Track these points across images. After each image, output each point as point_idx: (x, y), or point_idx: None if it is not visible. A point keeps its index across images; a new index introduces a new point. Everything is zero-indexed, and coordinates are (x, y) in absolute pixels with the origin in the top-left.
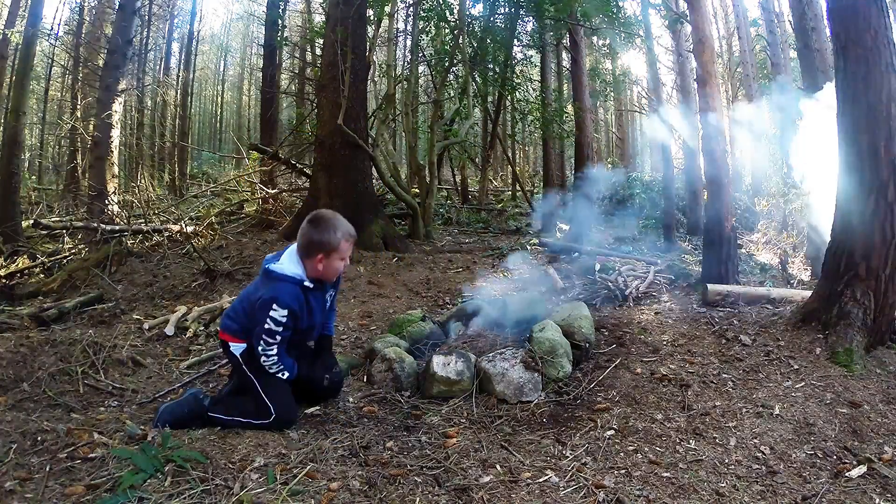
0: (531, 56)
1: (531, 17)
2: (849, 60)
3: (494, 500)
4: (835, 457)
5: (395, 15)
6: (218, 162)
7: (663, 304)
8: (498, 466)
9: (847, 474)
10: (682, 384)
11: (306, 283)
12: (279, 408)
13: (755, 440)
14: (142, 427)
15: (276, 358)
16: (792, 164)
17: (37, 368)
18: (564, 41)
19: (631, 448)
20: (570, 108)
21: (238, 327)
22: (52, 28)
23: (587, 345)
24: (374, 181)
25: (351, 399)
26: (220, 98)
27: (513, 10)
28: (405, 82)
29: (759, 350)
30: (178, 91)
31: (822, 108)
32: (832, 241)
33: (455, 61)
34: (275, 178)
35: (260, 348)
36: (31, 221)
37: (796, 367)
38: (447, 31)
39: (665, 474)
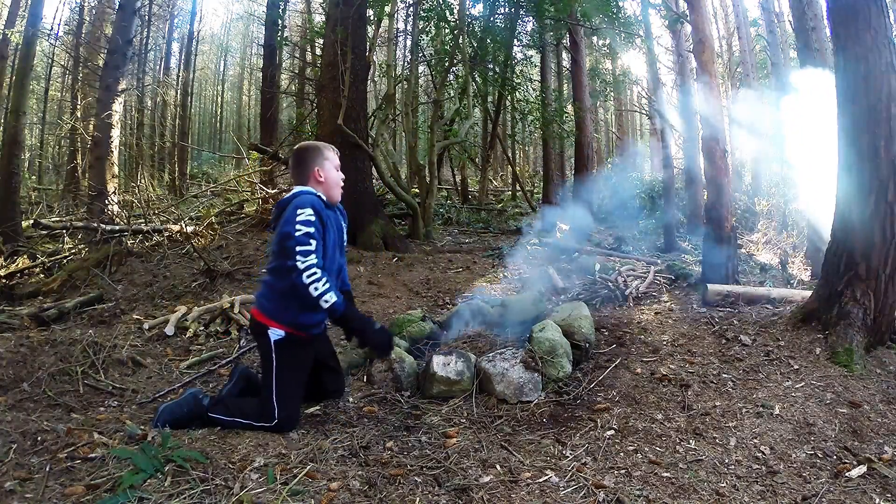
0: (531, 56)
1: (531, 17)
2: (849, 60)
3: (494, 500)
4: (835, 457)
5: (395, 15)
6: (218, 162)
7: (663, 304)
8: (498, 466)
9: (847, 474)
10: (682, 384)
11: (319, 194)
12: (284, 412)
13: (755, 440)
14: (142, 427)
15: (319, 273)
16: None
17: (37, 368)
18: (564, 41)
19: (631, 448)
20: (570, 108)
21: (274, 306)
22: (52, 28)
23: (587, 345)
24: (374, 181)
25: (351, 399)
26: (220, 98)
27: (513, 10)
28: (405, 82)
29: (759, 350)
30: (178, 91)
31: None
32: (832, 241)
33: (455, 61)
34: (275, 178)
35: (299, 263)
36: (31, 221)
37: (796, 367)
38: (447, 31)
39: (665, 474)
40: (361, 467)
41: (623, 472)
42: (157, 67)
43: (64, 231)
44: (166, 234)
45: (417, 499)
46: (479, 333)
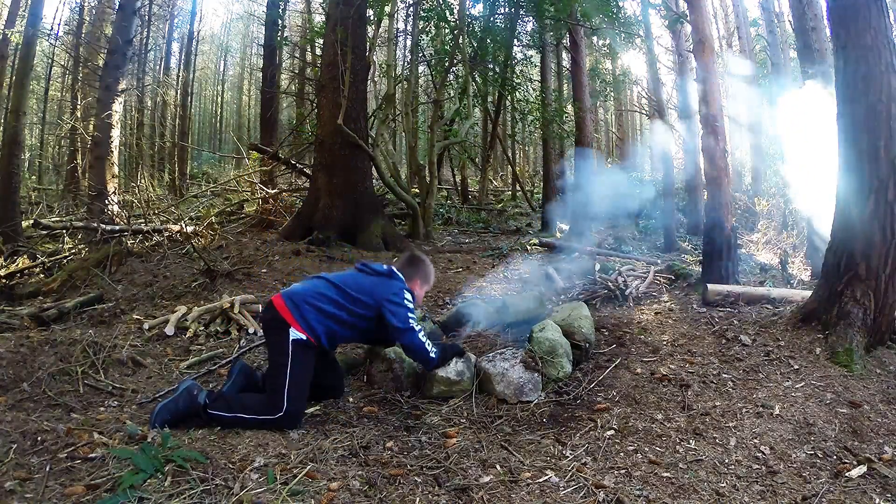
0: (531, 56)
1: (531, 17)
2: (849, 60)
3: (494, 500)
4: (835, 457)
5: (395, 15)
6: (218, 162)
7: (663, 304)
8: (498, 466)
9: (847, 474)
10: (682, 384)
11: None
12: (292, 406)
13: (755, 440)
14: (142, 427)
15: (426, 337)
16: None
17: (37, 368)
18: (564, 41)
19: (631, 448)
20: (570, 108)
21: (314, 317)
22: (52, 28)
23: (587, 345)
24: (374, 181)
25: (351, 399)
26: (220, 98)
27: (513, 10)
28: (405, 82)
29: (759, 350)
30: (178, 91)
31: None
32: (832, 241)
33: (455, 61)
34: (275, 178)
35: (414, 324)
36: (31, 221)
37: (796, 367)
38: (447, 31)
39: (665, 474)
40: (361, 467)
41: (623, 472)
42: (157, 67)
43: (64, 231)
44: (166, 234)
45: (417, 499)
46: (479, 333)
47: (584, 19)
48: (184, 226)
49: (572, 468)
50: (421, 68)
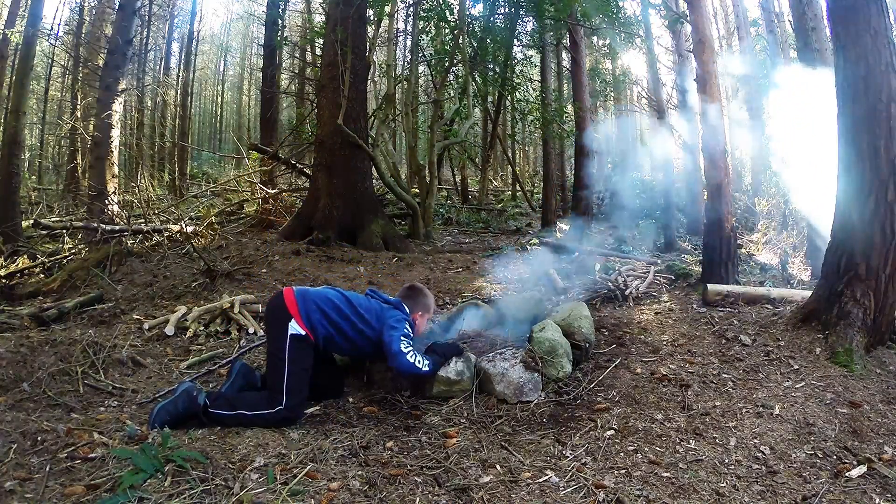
0: (531, 56)
1: (531, 17)
2: (849, 61)
3: (494, 500)
4: (835, 457)
5: (395, 15)
6: (218, 162)
7: (663, 304)
8: (498, 466)
9: (847, 474)
10: (682, 384)
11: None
12: (292, 401)
13: (755, 440)
14: (141, 427)
15: (415, 354)
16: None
17: (37, 368)
18: (564, 41)
19: (631, 448)
20: (570, 108)
21: (318, 318)
22: (52, 28)
23: (587, 345)
24: (374, 181)
25: (351, 399)
26: (220, 98)
27: (513, 10)
28: (405, 82)
29: (759, 350)
30: (178, 91)
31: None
32: (832, 241)
33: (455, 61)
34: (275, 178)
35: (403, 346)
36: (31, 221)
37: (796, 367)
38: (447, 31)
39: (665, 474)
40: (361, 467)
41: (623, 472)
42: (157, 67)
43: (64, 231)
44: (166, 234)
45: (417, 499)
46: (479, 333)
47: (584, 19)
48: (184, 226)
49: (572, 468)
50: (421, 68)
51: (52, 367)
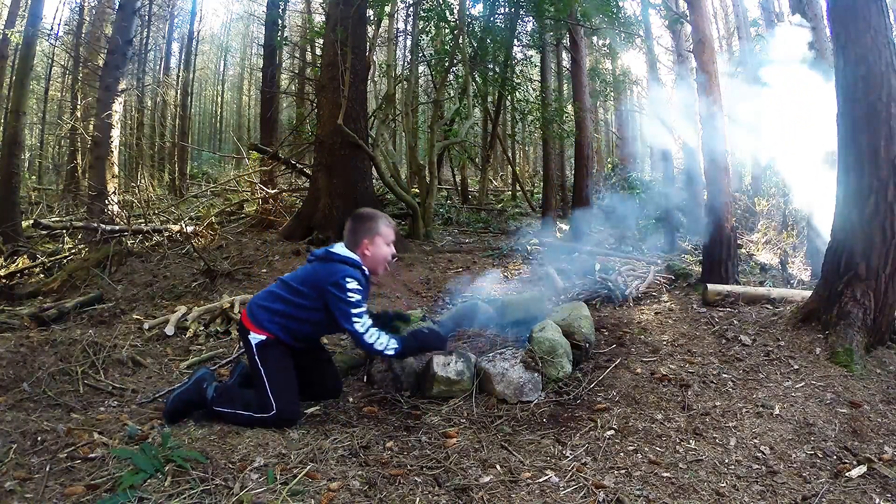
0: (531, 56)
1: (531, 17)
2: (849, 60)
3: (494, 500)
4: (835, 457)
5: (395, 15)
6: (218, 162)
7: (663, 304)
8: (498, 466)
9: (847, 474)
10: (682, 384)
11: (364, 268)
12: (281, 403)
13: (755, 440)
14: (141, 427)
15: (377, 333)
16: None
17: (37, 368)
18: (564, 41)
19: (631, 448)
20: (570, 108)
21: (265, 318)
22: (52, 28)
23: (587, 345)
24: (374, 181)
25: (351, 399)
26: (220, 98)
27: (513, 10)
28: (405, 82)
29: (759, 350)
30: (178, 91)
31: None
32: (832, 241)
33: (455, 61)
34: (275, 178)
35: (357, 326)
36: (31, 221)
37: (796, 367)
38: (447, 31)
39: (665, 474)
40: (361, 467)
41: (623, 472)
42: (157, 67)
43: (64, 231)
44: (166, 234)
45: (417, 499)
46: (479, 333)
47: (584, 19)
48: (184, 226)
49: (572, 468)
50: (421, 68)
51: (52, 367)
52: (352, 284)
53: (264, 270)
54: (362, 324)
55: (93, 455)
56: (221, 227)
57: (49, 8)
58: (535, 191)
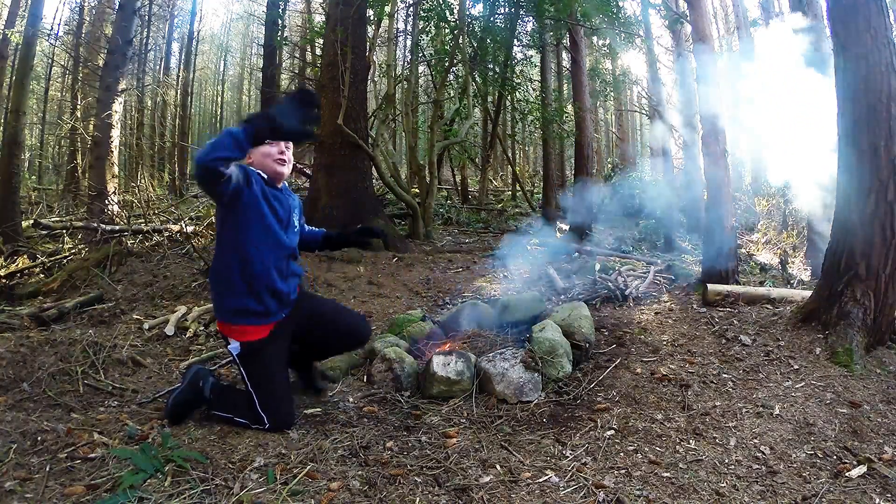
0: (531, 56)
1: (531, 17)
2: (849, 60)
3: (494, 500)
4: (835, 457)
5: (395, 15)
6: None
7: (663, 304)
8: (498, 466)
9: (847, 474)
10: (682, 384)
11: (259, 174)
12: (272, 416)
13: (755, 440)
14: (141, 427)
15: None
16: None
17: (37, 368)
18: (564, 41)
19: (631, 448)
20: (570, 108)
21: (224, 300)
22: (52, 28)
23: (587, 345)
24: (374, 181)
25: (351, 399)
26: (220, 98)
27: (513, 10)
28: (405, 82)
29: (759, 350)
30: (178, 91)
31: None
32: (832, 241)
33: (455, 61)
34: None
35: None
36: (31, 221)
37: (796, 367)
38: (447, 31)
39: (665, 474)
40: (361, 467)
41: (623, 472)
42: (157, 67)
43: (64, 231)
44: (166, 234)
45: (417, 499)
46: (479, 333)
47: (584, 19)
48: (184, 226)
49: (572, 468)
50: (421, 68)
51: (52, 367)
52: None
53: None
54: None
55: (93, 455)
56: None
57: (49, 8)
58: (535, 191)
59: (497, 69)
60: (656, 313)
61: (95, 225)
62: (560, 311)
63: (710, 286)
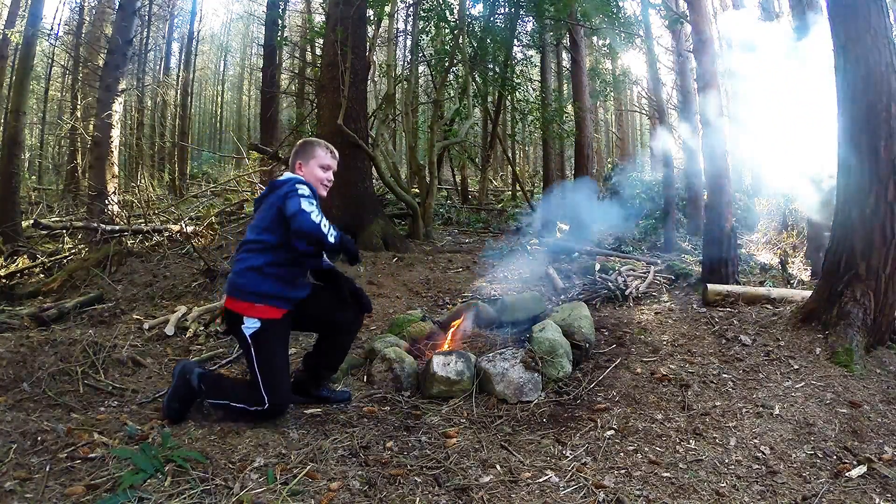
0: (531, 56)
1: (531, 17)
2: (849, 60)
3: (494, 500)
4: (835, 457)
5: (395, 15)
6: (218, 162)
7: (663, 304)
8: (498, 466)
9: (847, 474)
10: (682, 384)
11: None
12: (274, 397)
13: (755, 440)
14: (141, 427)
15: (324, 219)
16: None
17: (37, 368)
18: (564, 41)
19: (631, 448)
20: (570, 108)
21: (254, 281)
22: (52, 28)
23: (587, 345)
24: (374, 181)
25: (351, 399)
26: (220, 98)
27: (513, 10)
28: (405, 82)
29: (759, 350)
30: (178, 91)
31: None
32: (832, 241)
33: (455, 61)
34: (275, 177)
35: (305, 206)
36: (31, 221)
37: (796, 367)
38: (447, 31)
39: (665, 474)
40: (361, 467)
41: (623, 472)
42: (157, 67)
43: (64, 231)
44: (166, 234)
45: (417, 499)
46: (479, 333)
47: (584, 19)
48: (184, 226)
49: (572, 468)
50: (421, 68)
51: (52, 367)
52: (302, 189)
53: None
54: (312, 210)
55: (93, 455)
56: (221, 227)
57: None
58: (535, 191)
59: (497, 69)
60: (656, 313)
61: (95, 225)
62: (560, 311)
63: (710, 286)
